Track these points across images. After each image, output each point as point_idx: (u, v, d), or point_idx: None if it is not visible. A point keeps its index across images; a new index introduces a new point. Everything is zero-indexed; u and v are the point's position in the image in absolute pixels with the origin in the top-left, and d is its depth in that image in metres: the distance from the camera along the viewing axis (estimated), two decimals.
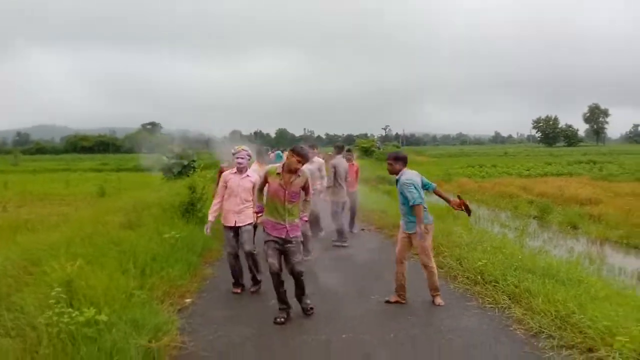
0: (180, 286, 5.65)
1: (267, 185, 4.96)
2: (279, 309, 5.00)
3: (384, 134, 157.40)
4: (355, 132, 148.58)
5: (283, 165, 4.88)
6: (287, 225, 4.84)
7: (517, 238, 10.41)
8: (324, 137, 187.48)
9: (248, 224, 5.88)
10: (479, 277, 6.18)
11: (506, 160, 46.38)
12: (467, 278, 6.34)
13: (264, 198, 5.09)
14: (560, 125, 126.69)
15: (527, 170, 32.21)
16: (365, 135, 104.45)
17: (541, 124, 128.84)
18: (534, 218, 14.39)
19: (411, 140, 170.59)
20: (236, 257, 5.93)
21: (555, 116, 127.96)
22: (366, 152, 47.90)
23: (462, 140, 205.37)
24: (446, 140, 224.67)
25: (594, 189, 19.34)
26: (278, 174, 4.84)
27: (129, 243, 6.49)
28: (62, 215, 11.85)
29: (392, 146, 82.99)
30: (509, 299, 5.43)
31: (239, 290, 5.99)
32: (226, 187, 5.84)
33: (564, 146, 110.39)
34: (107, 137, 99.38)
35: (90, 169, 42.79)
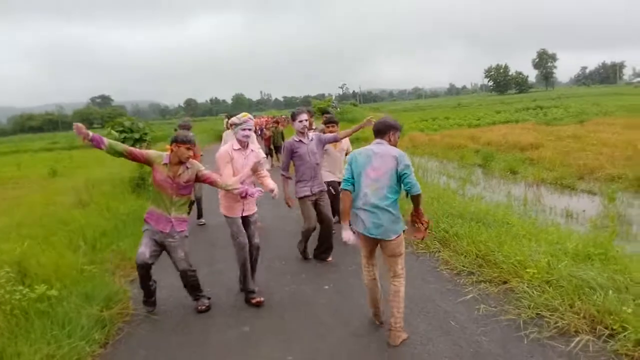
0: (131, 258, 5.88)
1: (152, 170, 4.35)
2: (144, 301, 4.61)
3: (341, 92, 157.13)
4: (312, 93, 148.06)
5: (170, 155, 4.29)
6: (172, 219, 4.33)
7: (459, 187, 11.03)
8: (281, 99, 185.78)
9: (255, 213, 4.94)
10: None
11: (459, 112, 47.49)
12: None
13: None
14: (511, 73, 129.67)
15: (478, 120, 33.17)
16: (323, 95, 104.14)
17: (492, 73, 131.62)
18: (478, 166, 15.08)
19: (368, 98, 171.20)
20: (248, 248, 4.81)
21: (506, 64, 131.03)
22: (323, 112, 47.88)
23: (418, 94, 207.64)
24: (402, 95, 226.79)
25: (537, 133, 20.25)
26: (165, 164, 4.28)
27: (78, 222, 6.64)
28: (14, 198, 11.75)
29: (350, 104, 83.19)
30: (440, 243, 5.94)
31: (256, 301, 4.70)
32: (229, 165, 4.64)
33: (516, 93, 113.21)
34: (55, 114, 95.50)
35: (41, 148, 41.55)
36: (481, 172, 14.43)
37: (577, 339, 3.47)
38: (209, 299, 4.67)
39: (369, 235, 3.68)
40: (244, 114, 4.73)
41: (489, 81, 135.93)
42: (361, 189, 3.69)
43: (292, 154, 5.56)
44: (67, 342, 3.46)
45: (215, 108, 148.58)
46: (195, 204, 7.95)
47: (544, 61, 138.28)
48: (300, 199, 5.60)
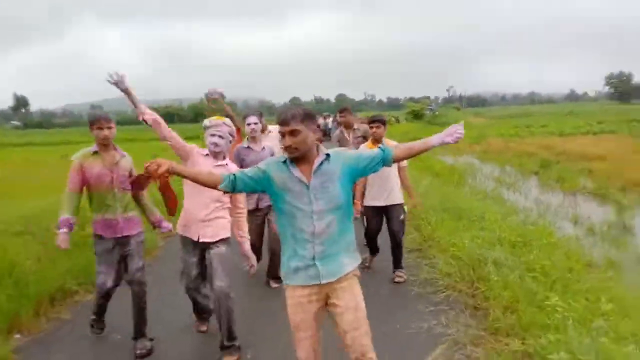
0: None
1: (82, 176, 3.53)
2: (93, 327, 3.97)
3: (447, 95, 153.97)
4: (417, 95, 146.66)
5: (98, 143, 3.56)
6: (120, 220, 3.60)
7: (493, 189, 11.85)
8: (385, 100, 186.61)
9: (221, 241, 3.57)
10: None
11: (566, 120, 44.99)
12: None
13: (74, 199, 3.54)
14: (634, 81, 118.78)
15: (576, 129, 31.77)
16: (428, 97, 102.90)
17: (614, 81, 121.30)
18: (534, 174, 15.39)
19: (476, 102, 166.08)
20: (198, 292, 3.84)
21: (630, 72, 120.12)
22: (416, 115, 48.04)
23: (532, 99, 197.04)
24: (517, 99, 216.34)
25: (617, 145, 19.67)
26: (95, 152, 3.56)
27: None
28: None
29: (453, 108, 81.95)
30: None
31: (204, 329, 4.06)
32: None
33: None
34: (172, 108, 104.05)
35: (152, 138, 45.85)
36: (536, 179, 14.76)
37: (445, 293, 4.63)
38: (151, 340, 3.78)
39: None
40: (216, 116, 3.77)
41: (609, 88, 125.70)
42: None
43: (241, 161, 4.75)
44: None
45: (318, 106, 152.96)
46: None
47: None
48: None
